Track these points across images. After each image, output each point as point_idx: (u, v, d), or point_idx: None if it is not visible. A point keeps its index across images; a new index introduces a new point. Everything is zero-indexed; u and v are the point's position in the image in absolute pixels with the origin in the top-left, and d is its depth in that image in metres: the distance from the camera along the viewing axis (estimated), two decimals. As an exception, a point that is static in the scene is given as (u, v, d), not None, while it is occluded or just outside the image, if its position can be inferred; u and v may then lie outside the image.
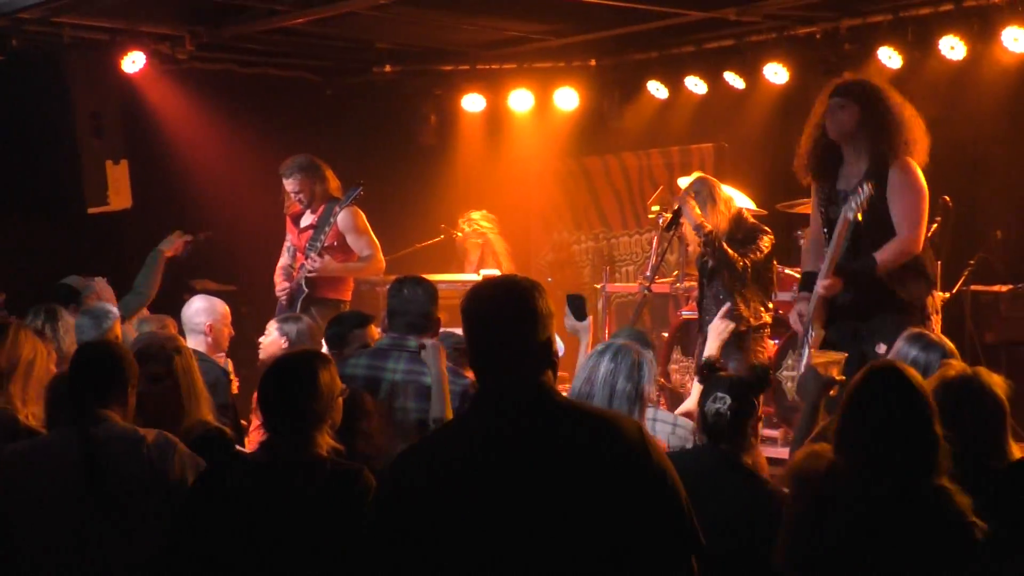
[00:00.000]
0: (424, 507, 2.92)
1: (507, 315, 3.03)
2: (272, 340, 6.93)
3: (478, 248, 10.66)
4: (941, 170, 9.56)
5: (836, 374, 4.75)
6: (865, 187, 5.91)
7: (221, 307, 7.01)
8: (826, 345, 6.17)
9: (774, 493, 4.17)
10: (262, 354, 7.00)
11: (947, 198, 8.36)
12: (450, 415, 5.07)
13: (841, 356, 5.03)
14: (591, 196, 11.92)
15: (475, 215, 10.77)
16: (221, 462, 4.26)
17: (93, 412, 4.29)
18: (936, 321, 8.01)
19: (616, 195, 11.74)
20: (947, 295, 8.42)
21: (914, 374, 3.58)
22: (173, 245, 8.04)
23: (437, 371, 5.18)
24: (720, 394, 4.38)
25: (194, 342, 6.73)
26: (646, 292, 8.00)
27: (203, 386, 4.87)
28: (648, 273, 8.34)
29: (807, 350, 6.21)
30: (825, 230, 6.25)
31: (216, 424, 4.84)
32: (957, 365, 4.03)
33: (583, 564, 2.86)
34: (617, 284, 10.87)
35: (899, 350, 4.83)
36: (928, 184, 9.42)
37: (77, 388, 4.37)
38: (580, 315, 5.76)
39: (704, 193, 7.77)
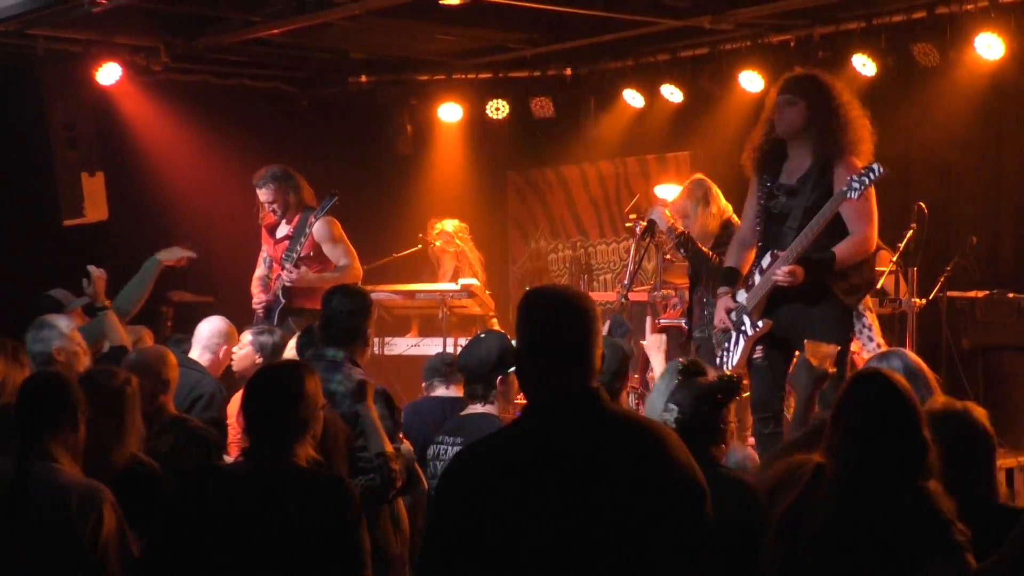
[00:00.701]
0: (477, 505, 2.98)
1: (570, 323, 3.10)
2: (246, 353, 6.93)
3: (452, 258, 10.61)
4: (916, 176, 9.74)
5: (829, 366, 4.68)
6: (873, 171, 5.92)
7: (235, 337, 7.08)
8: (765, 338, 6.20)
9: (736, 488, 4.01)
10: (235, 366, 6.99)
11: (922, 204, 8.34)
12: (389, 447, 5.08)
13: (833, 348, 4.99)
14: (568, 204, 11.96)
15: (448, 225, 10.68)
16: (200, 472, 4.24)
17: (39, 445, 4.26)
18: (872, 319, 8.04)
19: (593, 203, 11.77)
20: (923, 301, 8.43)
21: (900, 379, 3.60)
22: (175, 258, 7.80)
23: (366, 411, 5.16)
24: (672, 404, 4.23)
25: (200, 356, 6.84)
26: (624, 300, 8.00)
27: (141, 421, 4.85)
28: (626, 281, 8.23)
29: (742, 343, 6.22)
30: (759, 228, 6.25)
31: (147, 459, 4.81)
32: (942, 399, 4.01)
33: (626, 570, 2.93)
34: (595, 293, 10.87)
35: None
36: (902, 190, 9.63)
37: (22, 419, 4.34)
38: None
39: (698, 194, 7.85)
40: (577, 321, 3.09)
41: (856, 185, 5.92)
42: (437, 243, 10.61)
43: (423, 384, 6.80)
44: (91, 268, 7.14)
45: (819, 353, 4.79)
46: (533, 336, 3.11)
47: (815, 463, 3.56)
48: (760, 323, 6.17)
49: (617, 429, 3.04)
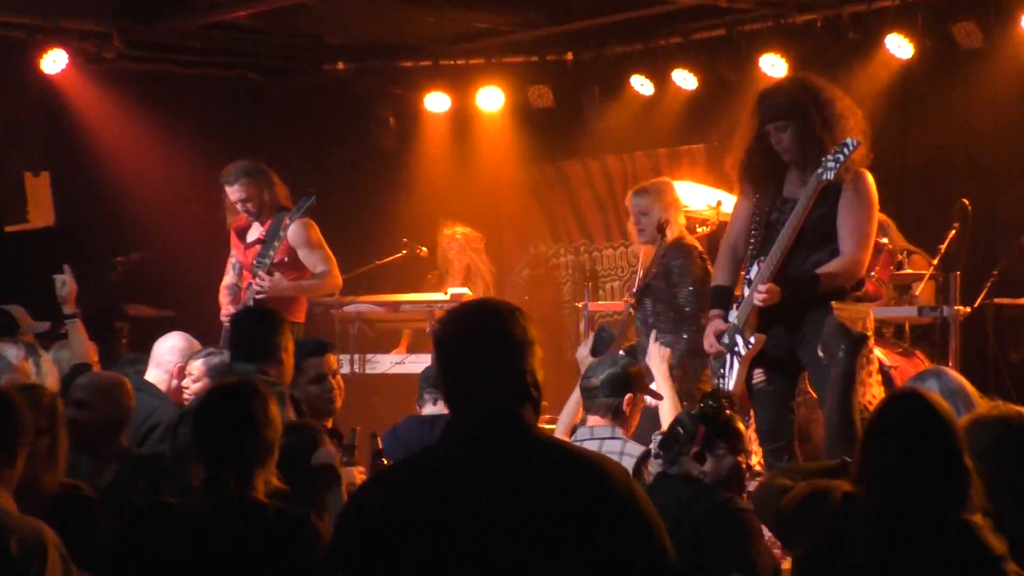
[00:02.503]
0: (380, 540, 3.02)
1: (479, 341, 3.13)
2: (203, 384, 6.82)
3: (462, 269, 10.71)
4: (957, 170, 9.88)
5: (861, 328, 4.74)
6: (847, 145, 6.15)
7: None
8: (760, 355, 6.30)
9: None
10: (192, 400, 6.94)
11: (965, 201, 8.40)
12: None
13: (866, 307, 5.00)
14: (570, 205, 12.02)
15: (459, 233, 10.80)
16: (148, 508, 4.26)
17: None
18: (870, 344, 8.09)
19: (598, 203, 11.82)
20: (968, 309, 8.44)
21: (939, 400, 3.61)
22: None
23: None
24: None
25: (156, 377, 6.97)
26: (631, 310, 8.00)
27: (67, 442, 4.84)
28: (634, 289, 8.28)
29: (737, 366, 6.32)
30: (755, 239, 6.42)
31: (76, 482, 4.84)
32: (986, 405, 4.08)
33: None
34: (600, 302, 10.86)
35: None
36: (943, 186, 9.82)
37: None
38: (597, 351, 6.53)
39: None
40: (489, 342, 3.11)
41: (831, 164, 6.15)
42: (423, 249, 10.68)
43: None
44: (66, 267, 7.22)
45: (851, 312, 4.79)
46: (440, 359, 3.18)
47: (842, 492, 3.57)
48: (753, 339, 6.28)
49: (538, 456, 3.06)
